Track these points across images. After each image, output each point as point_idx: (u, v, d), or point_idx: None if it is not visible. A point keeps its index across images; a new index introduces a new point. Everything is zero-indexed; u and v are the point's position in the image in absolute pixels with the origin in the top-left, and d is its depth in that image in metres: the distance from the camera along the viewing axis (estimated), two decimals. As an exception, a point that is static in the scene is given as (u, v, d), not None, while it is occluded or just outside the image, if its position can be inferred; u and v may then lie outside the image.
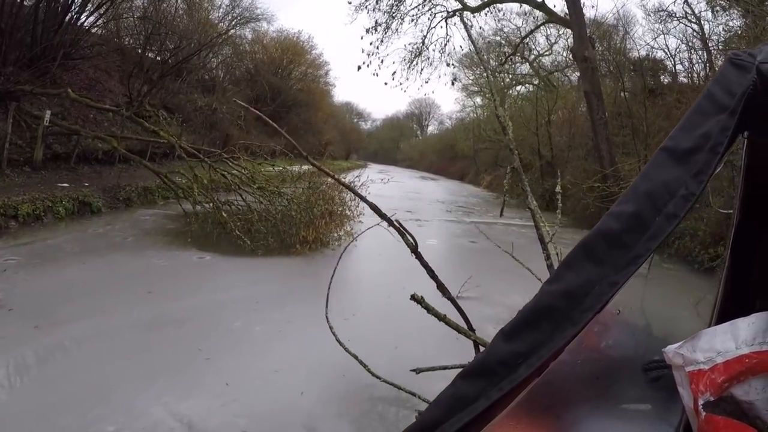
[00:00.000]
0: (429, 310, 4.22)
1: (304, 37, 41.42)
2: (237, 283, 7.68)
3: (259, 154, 13.16)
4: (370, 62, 23.61)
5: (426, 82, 28.04)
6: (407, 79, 25.50)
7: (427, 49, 24.91)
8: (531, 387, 1.01)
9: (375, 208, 4.61)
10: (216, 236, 9.97)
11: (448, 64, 25.76)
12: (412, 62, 24.69)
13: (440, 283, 4.37)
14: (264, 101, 34.82)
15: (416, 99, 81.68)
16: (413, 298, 4.24)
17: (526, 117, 28.30)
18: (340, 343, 4.30)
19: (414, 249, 4.51)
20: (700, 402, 1.08)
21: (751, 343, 1.09)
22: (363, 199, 5.00)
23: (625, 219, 1.01)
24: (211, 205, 10.63)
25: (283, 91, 36.90)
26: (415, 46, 25.27)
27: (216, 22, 31.08)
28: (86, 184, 12.47)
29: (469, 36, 17.19)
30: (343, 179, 11.05)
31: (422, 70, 25.23)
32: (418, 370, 4.18)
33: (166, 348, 5.17)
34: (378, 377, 4.15)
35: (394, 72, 24.03)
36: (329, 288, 4.47)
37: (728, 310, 1.40)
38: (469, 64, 39.41)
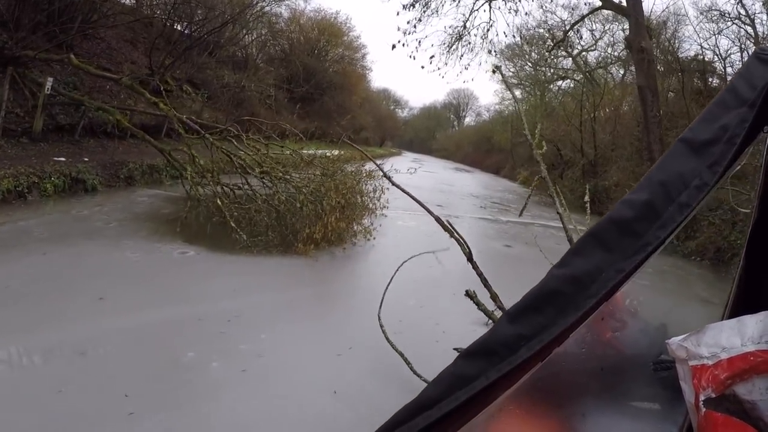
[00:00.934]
0: (485, 311, 4.65)
1: (341, 18, 40.08)
2: (215, 291, 6.34)
3: (271, 134, 11.98)
4: (407, 42, 21.87)
5: (465, 69, 25.95)
6: (446, 64, 23.85)
7: (468, 33, 23.20)
8: (536, 373, 1.01)
9: (424, 207, 5.13)
10: (210, 226, 8.78)
11: (489, 52, 23.90)
12: (451, 46, 23.08)
13: (494, 293, 4.62)
14: (297, 82, 33.66)
15: (454, 89, 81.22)
16: (467, 294, 4.80)
17: (569, 112, 26.65)
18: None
19: (469, 257, 4.73)
20: (701, 398, 1.08)
21: (758, 341, 1.08)
22: (410, 195, 5.50)
23: (637, 207, 1.01)
24: (210, 188, 9.39)
25: (318, 72, 35.67)
26: (456, 30, 23.61)
27: (249, -3, 29.90)
28: (86, 159, 11.42)
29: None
30: (374, 165, 9.95)
31: (462, 55, 23.54)
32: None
33: (83, 389, 3.82)
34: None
35: (432, 56, 22.41)
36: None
37: (740, 309, 1.39)
38: (511, 56, 38.35)
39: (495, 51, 25.70)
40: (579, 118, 25.18)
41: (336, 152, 12.16)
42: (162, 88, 11.73)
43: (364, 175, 10.82)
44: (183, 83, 20.80)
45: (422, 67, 25.67)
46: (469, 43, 22.90)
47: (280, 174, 9.41)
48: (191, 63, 22.32)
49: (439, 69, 22.99)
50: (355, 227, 9.78)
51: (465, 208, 17.89)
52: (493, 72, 29.85)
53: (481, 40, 25.78)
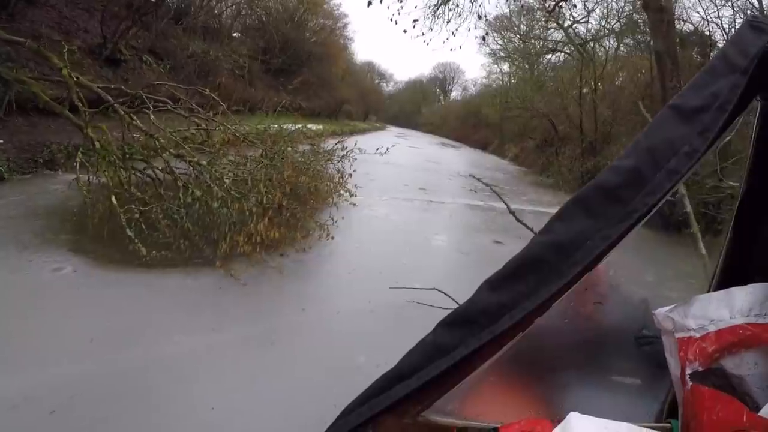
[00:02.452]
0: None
1: (320, -16, 37.93)
2: (64, 342, 4.05)
3: (240, 108, 10.28)
4: None
5: (453, 35, 24.02)
6: (431, 29, 21.93)
7: (456, -5, 21.25)
8: (517, 345, 1.01)
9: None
10: (110, 226, 6.22)
11: (479, 17, 21.93)
12: (437, 9, 21.10)
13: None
14: (274, 53, 31.77)
15: (441, 63, 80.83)
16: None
17: (566, 83, 25.18)
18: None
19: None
20: (688, 371, 1.09)
21: (747, 313, 1.09)
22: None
23: (623, 173, 1.00)
24: (114, 176, 6.81)
25: (297, 43, 33.65)
26: (442, -11, 21.61)
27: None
28: (0, 141, 9.67)
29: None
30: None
31: (449, 20, 21.44)
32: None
33: None
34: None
35: (416, 19, 20.26)
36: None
37: (726, 281, 1.38)
38: (499, 28, 36.85)
39: (485, 15, 23.87)
40: (578, 91, 23.55)
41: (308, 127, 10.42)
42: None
43: (321, 155, 9.30)
44: (143, 53, 19.09)
45: (404, 32, 23.63)
46: (457, 5, 20.95)
47: (195, 159, 6.88)
48: (154, 32, 20.57)
49: (423, 34, 20.97)
50: (306, 227, 7.70)
51: (452, 191, 16.19)
52: (483, 39, 28.28)
53: (471, 3, 23.82)
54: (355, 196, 9.61)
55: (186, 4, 25.56)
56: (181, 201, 6.11)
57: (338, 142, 9.94)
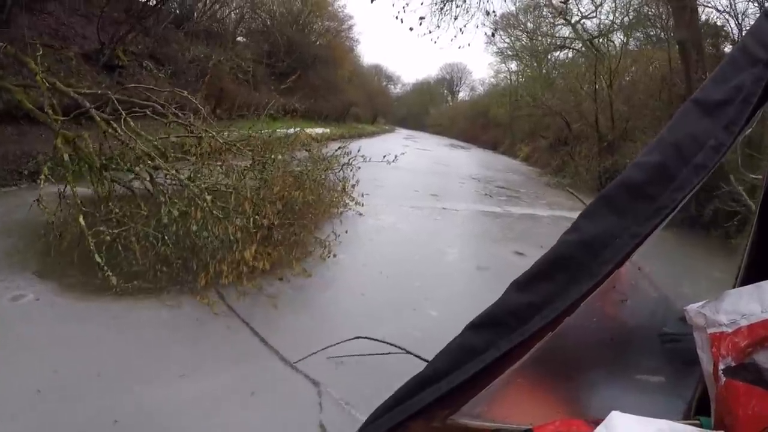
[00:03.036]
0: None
1: (325, -14, 37.24)
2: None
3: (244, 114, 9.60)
4: None
5: (461, 32, 23.21)
6: (438, 26, 20.83)
7: (463, -9, 20.45)
8: (544, 345, 1.01)
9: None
10: (80, 249, 5.32)
11: (488, 13, 21.16)
12: (444, 6, 20.32)
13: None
14: (279, 56, 31.20)
15: (447, 63, 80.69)
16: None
17: (580, 78, 24.51)
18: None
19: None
20: (721, 367, 1.06)
21: None
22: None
23: (649, 169, 0.99)
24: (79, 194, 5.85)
25: (302, 46, 33.00)
26: (449, -14, 20.82)
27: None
28: (-22, 152, 9.02)
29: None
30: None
31: (457, 17, 20.63)
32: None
33: None
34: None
35: (423, 17, 19.52)
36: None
37: (752, 277, 1.29)
38: (505, 26, 36.10)
39: (493, 11, 23.12)
40: (592, 86, 22.78)
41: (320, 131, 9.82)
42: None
43: (320, 163, 8.36)
44: (143, 58, 18.60)
45: (411, 29, 22.63)
46: (465, 1, 20.18)
47: (171, 171, 5.92)
48: (153, 36, 20.05)
49: (430, 32, 20.39)
50: (305, 245, 6.83)
51: (465, 196, 14.99)
52: (492, 35, 27.65)
53: (478, 0, 23.04)
54: (361, 205, 8.90)
55: (188, 8, 25.12)
56: (160, 221, 5.24)
57: (339, 147, 9.13)
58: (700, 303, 1.15)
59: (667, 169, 0.97)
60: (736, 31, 20.17)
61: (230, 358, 4.26)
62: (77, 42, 16.65)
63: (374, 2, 16.79)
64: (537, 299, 0.96)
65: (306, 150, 8.21)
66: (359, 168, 8.88)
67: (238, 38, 30.54)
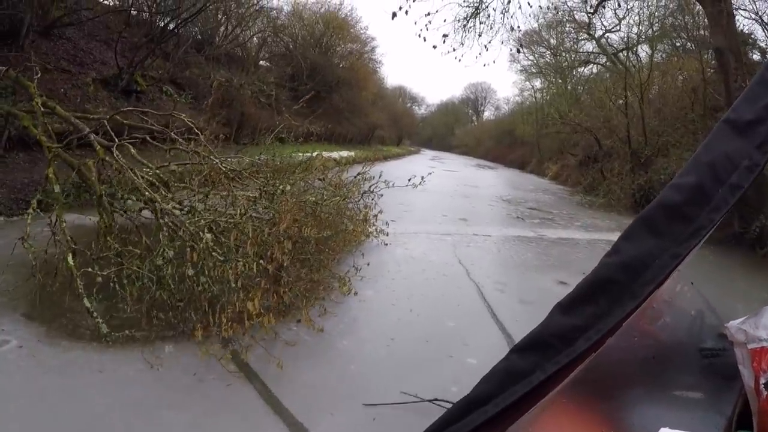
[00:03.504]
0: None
1: (346, 9, 37.08)
2: None
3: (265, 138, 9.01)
4: (410, 7, 17.69)
5: (485, 49, 22.58)
6: (462, 44, 20.06)
7: (486, 7, 19.80)
8: (586, 365, 1.01)
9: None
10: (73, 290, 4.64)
11: (512, 28, 20.56)
12: (467, 23, 19.63)
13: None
14: (301, 79, 30.93)
15: (471, 83, 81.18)
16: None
17: (608, 92, 23.96)
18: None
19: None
20: (762, 381, 1.10)
21: None
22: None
23: (686, 190, 1.00)
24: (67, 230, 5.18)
25: (325, 68, 32.72)
26: (471, 2, 20.17)
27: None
28: (-8, 181, 8.58)
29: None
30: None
31: (481, 33, 19.98)
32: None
33: None
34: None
35: (446, 34, 18.82)
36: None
37: None
38: (529, 43, 36.67)
39: (519, 26, 22.51)
40: (623, 100, 22.00)
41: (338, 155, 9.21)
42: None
43: (338, 189, 7.62)
44: (163, 83, 18.34)
45: (434, 47, 22.02)
46: (489, 16, 19.52)
47: (169, 205, 5.11)
48: (174, 61, 19.83)
49: (454, 50, 19.50)
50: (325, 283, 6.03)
51: (497, 219, 14.18)
52: (518, 51, 27.21)
53: (502, 16, 22.36)
54: (386, 234, 8.21)
55: (210, 33, 24.99)
56: (154, 261, 4.54)
57: (358, 174, 8.36)
58: (741, 319, 1.19)
59: (704, 189, 0.97)
60: (763, 36, 19.64)
61: (232, 425, 3.52)
62: (95, 67, 16.55)
63: (395, 19, 16.10)
64: (581, 322, 0.95)
65: (320, 179, 7.42)
66: (382, 195, 8.18)
67: (261, 62, 30.41)
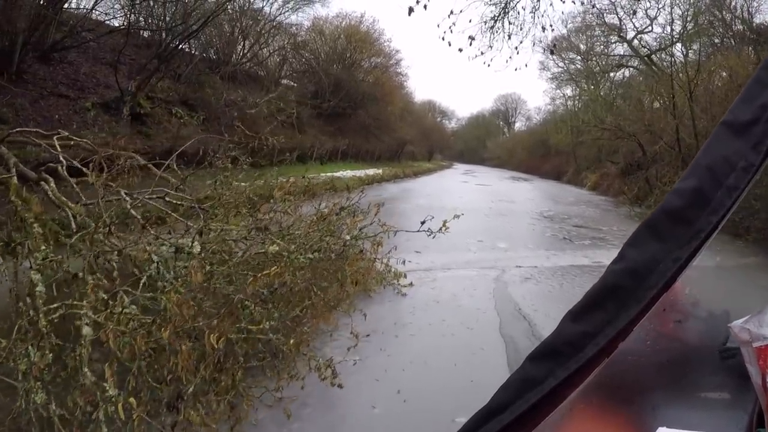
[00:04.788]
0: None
1: (367, 22, 35.69)
2: None
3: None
4: (428, 1, 15.90)
5: (516, 52, 20.90)
6: (490, 47, 18.32)
7: (515, 6, 18.13)
8: (603, 371, 1.00)
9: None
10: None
11: (544, 29, 18.80)
12: (495, 24, 17.95)
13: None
14: (324, 96, 29.79)
15: (501, 95, 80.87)
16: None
17: (654, 93, 22.61)
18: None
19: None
20: None
21: None
22: None
23: (687, 195, 0.96)
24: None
25: (349, 84, 31.52)
26: (499, 1, 18.51)
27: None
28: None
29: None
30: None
31: (510, 35, 18.26)
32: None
33: None
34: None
35: (472, 37, 17.10)
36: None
37: None
38: (559, 49, 34.52)
39: (551, 25, 20.76)
40: (669, 101, 20.33)
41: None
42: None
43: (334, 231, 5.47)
44: (173, 105, 17.27)
45: (460, 50, 20.03)
46: (518, 14, 17.85)
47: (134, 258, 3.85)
48: (181, 81, 18.80)
49: (482, 54, 17.74)
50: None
51: (541, 243, 12.02)
52: (551, 52, 25.71)
53: (532, 15, 20.61)
54: (405, 276, 6.61)
55: (226, 52, 23.98)
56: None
57: (375, 212, 5.81)
58: (744, 319, 1.17)
59: (703, 192, 0.92)
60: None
61: None
62: (98, 91, 15.85)
63: (417, 22, 14.73)
64: (590, 328, 0.93)
65: (316, 216, 5.52)
66: (391, 236, 6.24)
67: (283, 80, 29.39)
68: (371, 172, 26.75)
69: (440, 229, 5.15)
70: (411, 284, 6.81)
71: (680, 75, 20.76)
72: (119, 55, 15.38)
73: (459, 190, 26.32)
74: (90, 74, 16.22)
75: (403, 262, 6.66)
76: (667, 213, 0.95)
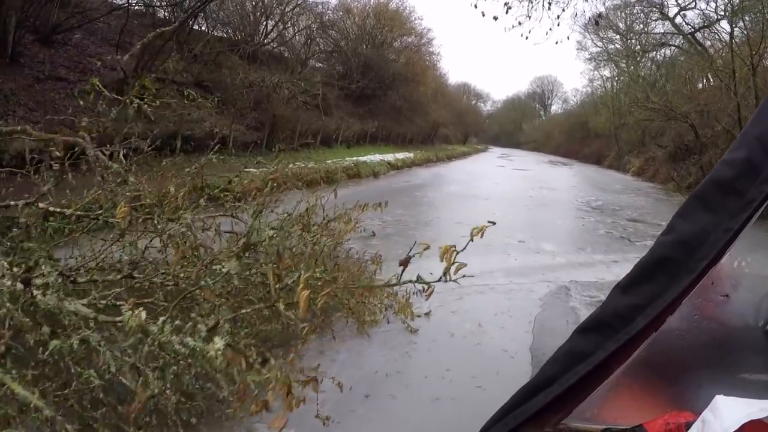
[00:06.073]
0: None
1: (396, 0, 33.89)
2: None
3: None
4: None
5: (557, 23, 18.99)
6: (528, 17, 16.45)
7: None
8: (649, 347, 1.03)
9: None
10: None
11: (585, -1, 16.94)
12: (533, -8, 16.11)
13: None
14: (352, 77, 28.36)
15: (537, 77, 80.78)
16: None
17: (708, 69, 21.02)
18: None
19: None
20: None
21: None
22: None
23: (737, 165, 1.00)
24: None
25: (379, 64, 29.99)
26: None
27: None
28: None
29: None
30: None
31: (550, 3, 16.34)
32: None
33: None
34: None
35: (509, 5, 15.31)
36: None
37: None
38: (596, 28, 34.78)
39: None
40: (731, 77, 18.49)
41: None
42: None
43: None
44: (187, 86, 16.08)
45: (495, 18, 18.00)
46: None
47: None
48: (203, 61, 17.86)
49: (520, 24, 15.98)
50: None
51: (596, 245, 9.89)
52: (596, 23, 24.11)
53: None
54: (419, 316, 4.82)
55: (248, 32, 22.67)
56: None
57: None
58: None
59: (753, 163, 0.96)
60: None
61: None
62: (103, 74, 14.64)
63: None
64: (639, 300, 0.97)
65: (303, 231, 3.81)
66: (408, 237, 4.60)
67: (310, 61, 28.02)
68: (401, 156, 25.22)
69: (450, 270, 3.51)
70: (428, 313, 5.05)
71: (741, 48, 19.06)
72: (120, 34, 14.23)
73: (495, 175, 24.64)
74: (96, 56, 15.14)
75: (417, 278, 5.10)
76: (717, 183, 0.99)
